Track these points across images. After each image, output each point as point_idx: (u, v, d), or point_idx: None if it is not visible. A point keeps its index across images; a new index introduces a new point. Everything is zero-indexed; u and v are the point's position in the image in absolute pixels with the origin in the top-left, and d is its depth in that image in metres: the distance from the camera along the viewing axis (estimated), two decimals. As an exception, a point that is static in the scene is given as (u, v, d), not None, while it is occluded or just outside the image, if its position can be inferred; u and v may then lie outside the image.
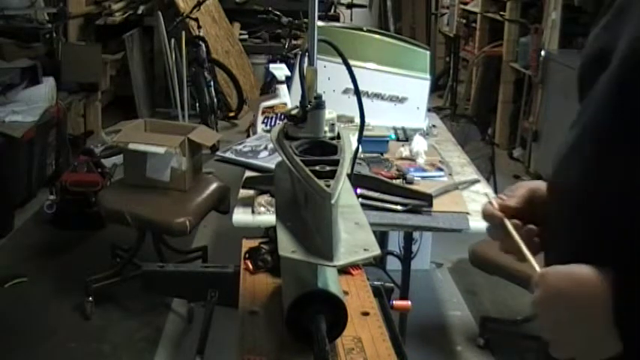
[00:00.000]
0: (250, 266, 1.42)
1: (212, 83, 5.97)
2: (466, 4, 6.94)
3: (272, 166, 1.95)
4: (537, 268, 0.90)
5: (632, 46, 0.85)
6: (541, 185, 1.07)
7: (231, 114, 6.56)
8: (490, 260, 2.73)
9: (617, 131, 0.86)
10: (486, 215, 1.05)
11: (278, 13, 5.50)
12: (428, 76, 3.18)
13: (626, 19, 0.90)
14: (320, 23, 2.89)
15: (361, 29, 3.43)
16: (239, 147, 2.56)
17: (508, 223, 1.01)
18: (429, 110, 3.30)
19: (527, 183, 1.10)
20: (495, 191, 2.79)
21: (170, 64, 5.60)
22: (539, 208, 1.03)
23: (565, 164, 0.95)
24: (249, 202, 2.21)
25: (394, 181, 2.35)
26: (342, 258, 0.95)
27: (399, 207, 2.16)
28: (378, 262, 3.29)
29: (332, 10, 7.29)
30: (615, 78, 0.87)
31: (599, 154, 0.88)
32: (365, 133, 1.26)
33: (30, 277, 3.49)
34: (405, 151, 2.67)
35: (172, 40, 5.62)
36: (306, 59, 1.21)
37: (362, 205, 1.20)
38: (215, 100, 5.96)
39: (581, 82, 1.01)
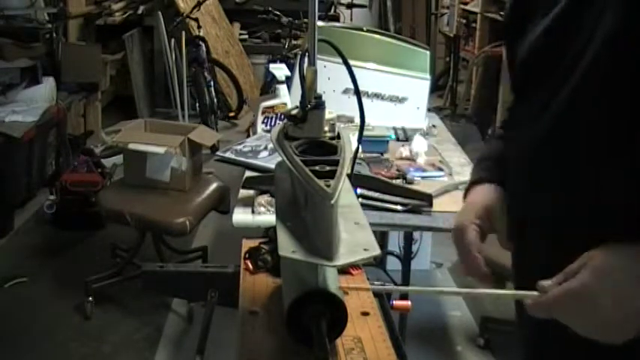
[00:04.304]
0: (250, 266, 1.42)
1: (212, 83, 5.97)
2: (466, 4, 6.94)
3: (272, 166, 1.95)
4: (531, 292, 0.90)
5: (608, 43, 0.85)
6: (486, 197, 1.10)
7: (231, 114, 6.56)
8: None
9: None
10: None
11: (278, 13, 5.50)
12: (428, 76, 3.18)
13: (590, 9, 0.89)
14: (320, 23, 2.90)
15: (361, 29, 3.43)
16: (239, 147, 2.55)
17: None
18: (429, 110, 3.30)
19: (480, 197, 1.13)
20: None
21: (170, 64, 5.60)
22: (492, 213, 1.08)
23: (540, 154, 0.96)
24: (249, 202, 2.21)
25: (394, 181, 2.35)
26: (342, 258, 0.95)
27: (399, 207, 2.16)
28: (378, 262, 3.29)
29: (332, 10, 7.28)
30: (594, 73, 0.87)
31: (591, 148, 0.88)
32: (365, 133, 1.26)
33: (30, 277, 3.49)
34: (405, 151, 2.67)
35: (172, 40, 5.62)
36: (306, 59, 1.21)
37: (362, 205, 1.20)
38: (215, 100, 5.95)
39: (529, 73, 1.00)
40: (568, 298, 0.85)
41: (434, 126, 3.18)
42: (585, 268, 0.85)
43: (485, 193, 1.12)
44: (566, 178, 0.91)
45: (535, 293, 0.89)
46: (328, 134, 1.18)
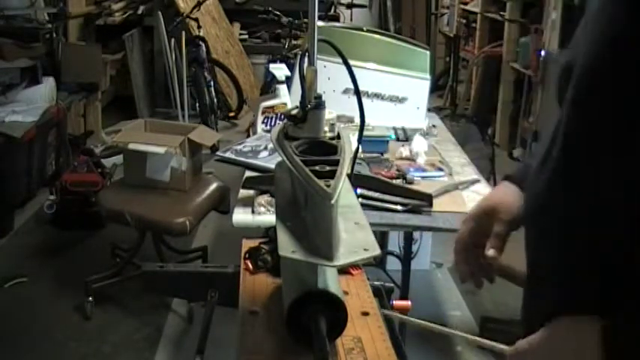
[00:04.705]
0: (250, 266, 1.42)
1: (212, 83, 5.97)
2: (466, 4, 6.95)
3: (272, 166, 1.94)
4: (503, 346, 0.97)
5: (582, 63, 0.87)
6: (504, 198, 1.11)
7: (231, 114, 6.56)
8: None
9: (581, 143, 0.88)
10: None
11: (278, 13, 5.50)
12: (428, 76, 3.18)
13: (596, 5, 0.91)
14: (320, 23, 2.90)
15: (361, 29, 3.43)
16: (239, 147, 2.55)
17: None
18: (429, 110, 3.30)
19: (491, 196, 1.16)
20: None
21: (170, 64, 5.60)
22: (495, 219, 1.09)
23: (537, 173, 0.97)
24: (249, 202, 2.21)
25: (394, 181, 2.35)
26: (342, 258, 0.95)
27: (399, 207, 2.16)
28: (378, 262, 3.29)
29: (332, 10, 7.29)
30: (571, 95, 0.89)
31: (564, 165, 0.90)
32: (365, 133, 1.26)
33: (30, 277, 3.49)
34: (405, 151, 2.67)
35: (172, 40, 5.62)
36: (306, 59, 1.21)
37: (362, 205, 1.20)
38: (215, 100, 5.96)
39: (558, 94, 1.03)
40: (520, 357, 0.92)
41: (434, 126, 3.18)
42: (540, 333, 0.89)
43: (501, 191, 1.14)
44: (567, 178, 0.91)
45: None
46: (328, 134, 1.18)
